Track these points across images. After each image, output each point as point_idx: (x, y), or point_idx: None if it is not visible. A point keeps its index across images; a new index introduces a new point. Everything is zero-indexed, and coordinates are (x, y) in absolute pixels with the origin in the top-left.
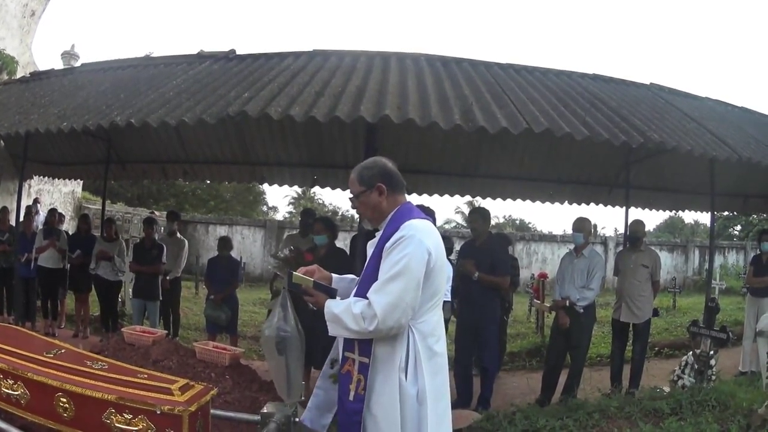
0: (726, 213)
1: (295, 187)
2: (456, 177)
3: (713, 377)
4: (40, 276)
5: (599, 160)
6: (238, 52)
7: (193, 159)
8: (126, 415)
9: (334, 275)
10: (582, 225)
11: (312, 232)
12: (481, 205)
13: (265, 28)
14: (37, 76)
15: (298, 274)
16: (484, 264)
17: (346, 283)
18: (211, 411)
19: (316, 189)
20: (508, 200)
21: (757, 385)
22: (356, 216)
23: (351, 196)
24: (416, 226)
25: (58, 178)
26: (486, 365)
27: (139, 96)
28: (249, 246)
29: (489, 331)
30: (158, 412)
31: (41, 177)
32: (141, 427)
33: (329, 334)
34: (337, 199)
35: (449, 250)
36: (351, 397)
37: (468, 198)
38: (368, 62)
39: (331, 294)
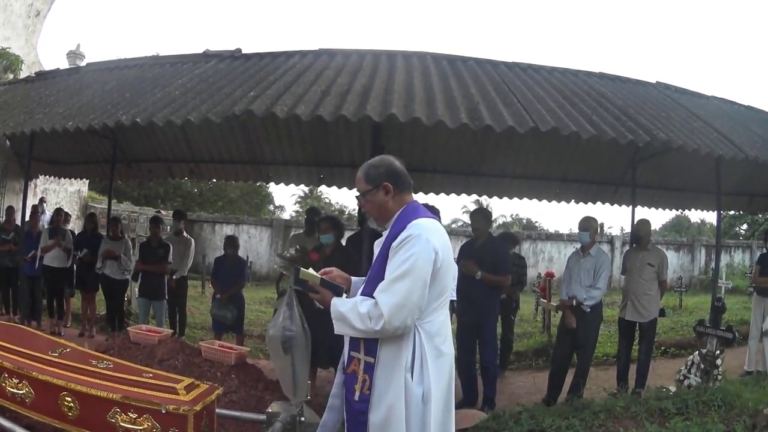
0: (732, 212)
1: (302, 186)
2: (462, 176)
3: (719, 377)
4: (45, 275)
5: (605, 158)
6: (243, 51)
7: (199, 158)
8: (131, 414)
9: (353, 278)
10: (588, 224)
11: (318, 231)
12: (484, 206)
13: (271, 27)
14: (42, 75)
15: (305, 270)
16: (485, 263)
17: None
18: (217, 410)
19: (323, 188)
20: (515, 199)
21: (763, 385)
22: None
23: (357, 194)
24: (423, 225)
25: (64, 178)
26: (486, 365)
27: (145, 95)
28: (255, 245)
29: (489, 331)
30: (163, 411)
31: (47, 176)
32: (146, 426)
33: (335, 333)
34: (343, 198)
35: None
36: (356, 397)
37: (474, 197)
38: (374, 61)
39: (338, 292)
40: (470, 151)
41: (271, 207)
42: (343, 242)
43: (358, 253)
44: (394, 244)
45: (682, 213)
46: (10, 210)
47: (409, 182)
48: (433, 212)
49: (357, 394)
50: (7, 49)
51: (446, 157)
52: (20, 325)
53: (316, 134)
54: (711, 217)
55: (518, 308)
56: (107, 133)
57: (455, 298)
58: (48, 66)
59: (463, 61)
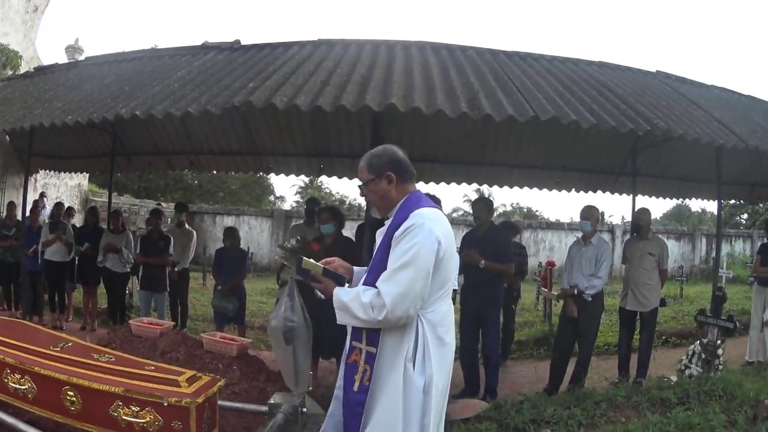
0: (733, 201)
1: (302, 177)
2: (462, 165)
3: (720, 367)
4: (47, 270)
5: (606, 147)
6: (242, 43)
7: (199, 150)
8: (133, 408)
9: (355, 267)
10: (589, 213)
11: (319, 221)
12: (485, 195)
13: (269, 18)
14: (41, 70)
15: (308, 259)
16: (487, 252)
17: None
18: (219, 402)
19: (323, 178)
20: (515, 188)
21: (764, 375)
22: (363, 204)
23: (360, 183)
24: (426, 214)
25: (64, 172)
26: (488, 354)
27: (144, 88)
28: (256, 236)
29: (491, 320)
30: (165, 404)
31: (47, 171)
32: (148, 419)
33: (337, 322)
34: (344, 188)
35: None
36: (355, 388)
37: (475, 186)
38: (373, 51)
39: (341, 282)
40: (471, 140)
41: (272, 198)
42: (349, 233)
43: (361, 244)
44: (397, 233)
45: (682, 202)
46: (11, 205)
47: (411, 172)
48: (434, 201)
49: (356, 384)
50: (6, 45)
51: (446, 146)
52: (22, 321)
53: (315, 125)
54: (712, 206)
55: (519, 297)
56: (107, 127)
57: (457, 288)
58: (47, 61)
59: (463, 50)
